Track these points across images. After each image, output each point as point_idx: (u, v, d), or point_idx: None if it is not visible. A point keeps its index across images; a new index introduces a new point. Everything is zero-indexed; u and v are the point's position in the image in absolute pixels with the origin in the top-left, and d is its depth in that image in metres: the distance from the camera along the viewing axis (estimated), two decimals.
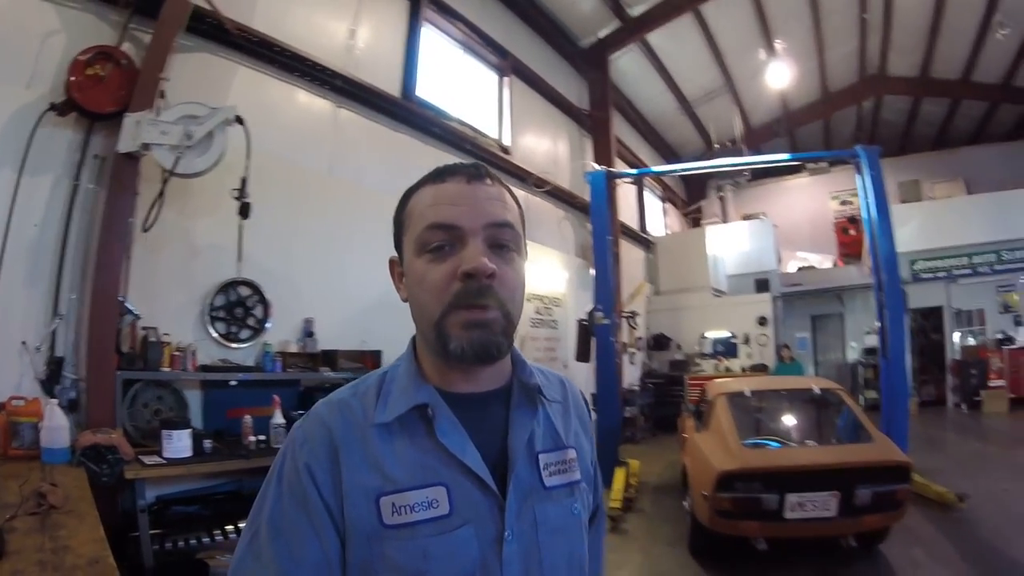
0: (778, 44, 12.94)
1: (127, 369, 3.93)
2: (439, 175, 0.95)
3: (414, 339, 1.01)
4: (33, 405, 3.47)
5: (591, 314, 7.68)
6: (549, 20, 10.50)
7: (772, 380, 7.24)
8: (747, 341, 13.27)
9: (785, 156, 10.35)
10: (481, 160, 6.85)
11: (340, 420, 0.90)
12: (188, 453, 3.65)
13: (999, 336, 13.41)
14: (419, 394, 0.91)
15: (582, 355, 7.73)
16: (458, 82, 8.38)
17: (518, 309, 0.94)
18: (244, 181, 4.35)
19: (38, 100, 3.93)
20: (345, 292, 5.91)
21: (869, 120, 17.97)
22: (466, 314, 0.87)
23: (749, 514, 4.17)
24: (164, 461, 3.53)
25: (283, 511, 0.85)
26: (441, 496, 0.86)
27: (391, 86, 6.90)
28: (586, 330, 7.71)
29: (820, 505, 4.14)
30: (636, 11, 10.95)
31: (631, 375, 12.34)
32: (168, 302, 4.45)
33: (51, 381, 3.71)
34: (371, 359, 5.60)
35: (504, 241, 0.92)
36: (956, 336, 14.12)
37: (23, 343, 3.72)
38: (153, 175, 4.20)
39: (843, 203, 16.75)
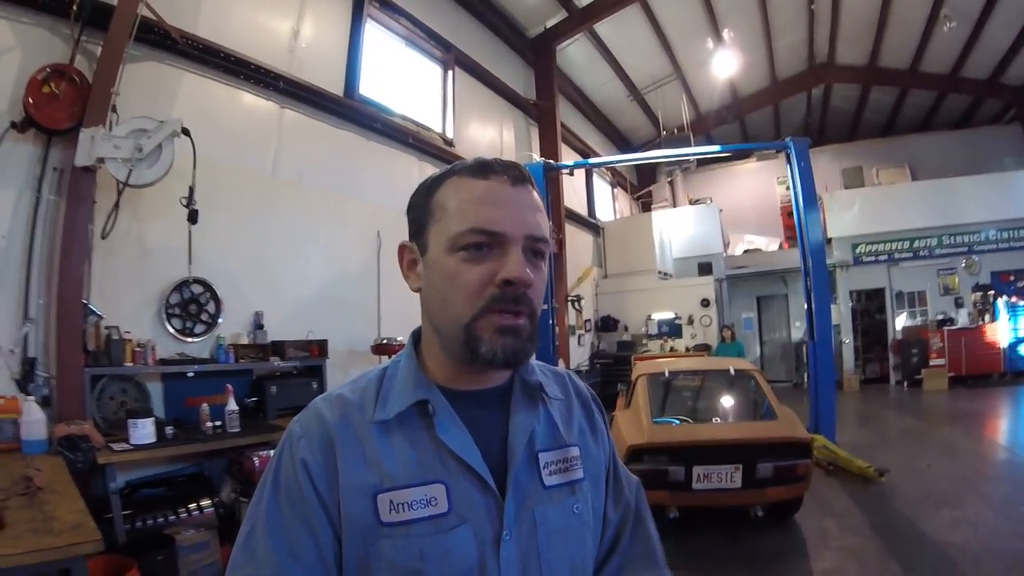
0: (725, 33, 13.67)
1: (94, 366, 4.45)
2: (480, 170, 0.95)
3: (415, 335, 1.05)
4: (11, 403, 3.95)
5: None
6: (495, 11, 11.09)
7: (693, 362, 7.94)
8: (691, 322, 14.22)
9: (716, 148, 11.23)
10: (424, 153, 7.42)
11: (338, 416, 0.93)
12: (152, 439, 4.19)
13: (940, 317, 14.44)
14: (420, 390, 0.95)
15: None
16: (402, 77, 8.88)
17: (539, 315, 0.97)
18: (191, 190, 4.87)
19: None
20: (292, 286, 6.47)
21: (819, 107, 18.91)
22: (499, 319, 0.90)
23: (659, 484, 4.78)
24: (131, 447, 4.08)
25: (278, 508, 0.88)
26: (440, 494, 0.89)
27: (334, 85, 7.39)
28: None
29: (725, 477, 4.77)
30: (583, 1, 11.62)
31: (580, 356, 13.16)
32: (127, 302, 4.95)
33: (25, 380, 4.19)
34: (318, 347, 6.18)
35: (540, 251, 0.96)
36: (900, 317, 15.10)
37: None
38: (108, 184, 4.66)
39: (789, 187, 17.55)
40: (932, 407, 11.95)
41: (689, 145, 13.75)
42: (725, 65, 14.30)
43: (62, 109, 4.51)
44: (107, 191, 4.70)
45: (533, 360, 1.05)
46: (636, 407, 5.48)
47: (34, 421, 3.85)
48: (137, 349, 4.73)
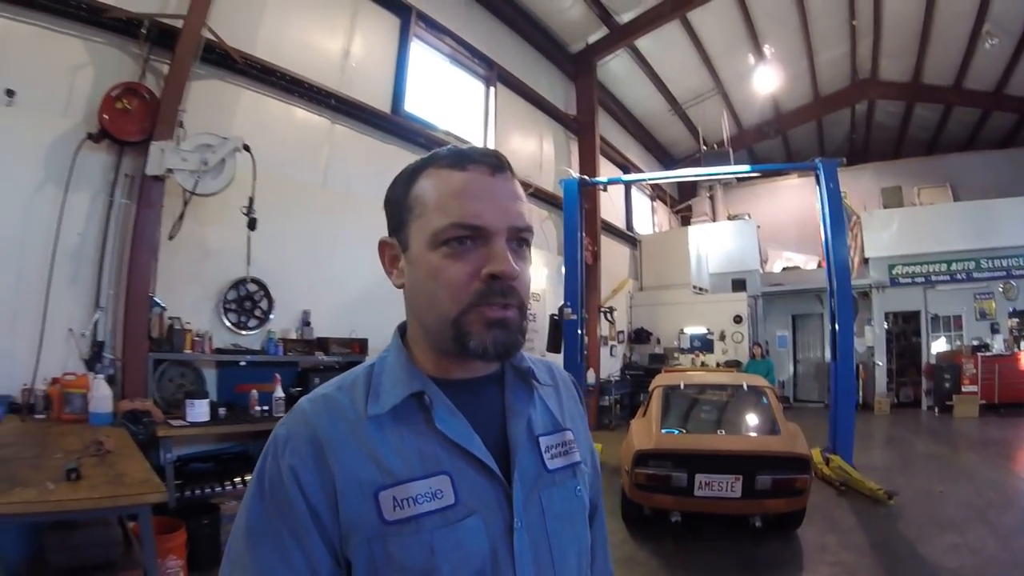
0: (766, 48, 13.83)
1: (156, 351, 5.07)
2: (458, 161, 0.93)
3: (401, 329, 1.04)
4: (81, 380, 4.51)
5: (561, 310, 8.77)
6: (538, 27, 11.59)
7: (709, 376, 8.13)
8: (723, 337, 14.42)
9: (746, 168, 11.34)
10: None
11: (325, 416, 0.90)
12: (206, 418, 4.78)
13: (975, 343, 14.14)
14: (414, 382, 0.93)
15: (553, 346, 8.81)
16: (446, 93, 9.42)
17: (527, 306, 0.95)
18: (251, 200, 5.46)
19: (75, 128, 4.96)
20: (337, 288, 7.03)
21: (863, 123, 18.72)
22: (488, 312, 0.88)
23: (662, 488, 5.09)
24: (187, 424, 4.66)
25: (264, 516, 0.85)
26: (445, 486, 0.87)
27: (382, 102, 7.99)
28: (556, 324, 8.81)
29: (725, 486, 4.97)
30: (624, 18, 12.05)
31: (611, 366, 13.49)
32: (189, 296, 5.57)
33: (93, 361, 4.80)
34: (359, 345, 6.71)
35: (524, 240, 0.94)
36: (938, 341, 14.87)
37: (70, 330, 4.82)
38: (175, 191, 5.28)
39: None
40: (958, 433, 11.81)
41: (728, 160, 13.89)
42: (766, 80, 14.45)
43: (134, 123, 5.16)
44: (174, 197, 5.32)
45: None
46: (649, 416, 5.81)
47: (101, 396, 4.38)
48: (196, 338, 5.35)
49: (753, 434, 5.67)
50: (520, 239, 0.94)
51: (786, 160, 18.99)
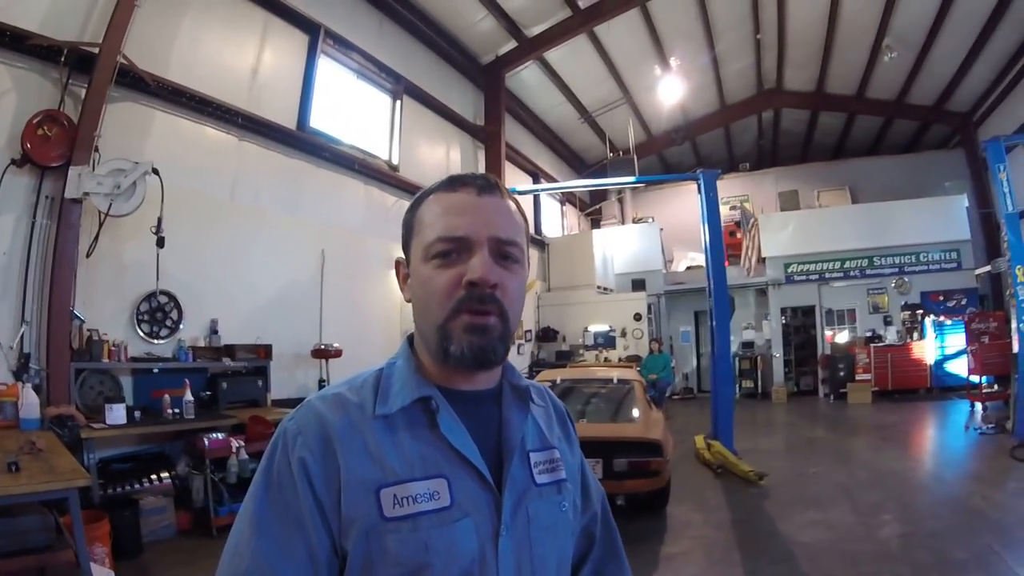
0: (672, 60, 15.07)
1: (77, 361, 5.79)
2: (451, 185, 1.06)
3: (410, 338, 1.13)
4: (12, 389, 5.17)
5: None
6: (449, 40, 12.50)
7: (585, 371, 9.07)
8: (624, 334, 15.78)
9: (631, 179, 12.65)
10: (370, 178, 8.94)
11: (336, 413, 0.98)
12: (124, 421, 5.55)
13: (868, 334, 15.85)
14: (422, 388, 1.02)
15: None
16: (352, 108, 10.22)
17: (517, 317, 1.05)
18: (160, 220, 6.19)
19: None
20: (244, 297, 7.81)
21: (770, 129, 20.38)
22: (468, 318, 0.98)
23: None
24: (107, 426, 5.41)
25: (269, 506, 0.93)
26: (442, 488, 0.96)
27: (288, 119, 8.75)
28: None
29: None
30: (532, 31, 13.06)
31: (519, 364, 14.53)
32: (106, 309, 6.27)
33: (20, 371, 5.46)
34: (264, 351, 7.53)
35: (509, 253, 1.03)
36: (842, 333, 16.49)
37: None
38: (92, 211, 5.96)
39: (732, 208, 19.17)
40: (847, 419, 12.90)
41: (632, 167, 15.18)
42: (672, 90, 15.72)
43: (54, 149, 5.79)
44: (91, 216, 6.01)
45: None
46: None
47: (30, 403, 5.05)
48: (113, 348, 6.08)
49: (612, 422, 6.51)
50: (506, 254, 1.03)
51: (696, 164, 20.35)
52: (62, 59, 5.95)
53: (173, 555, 5.28)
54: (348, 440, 0.95)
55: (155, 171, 6.12)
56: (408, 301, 1.09)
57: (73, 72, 6.09)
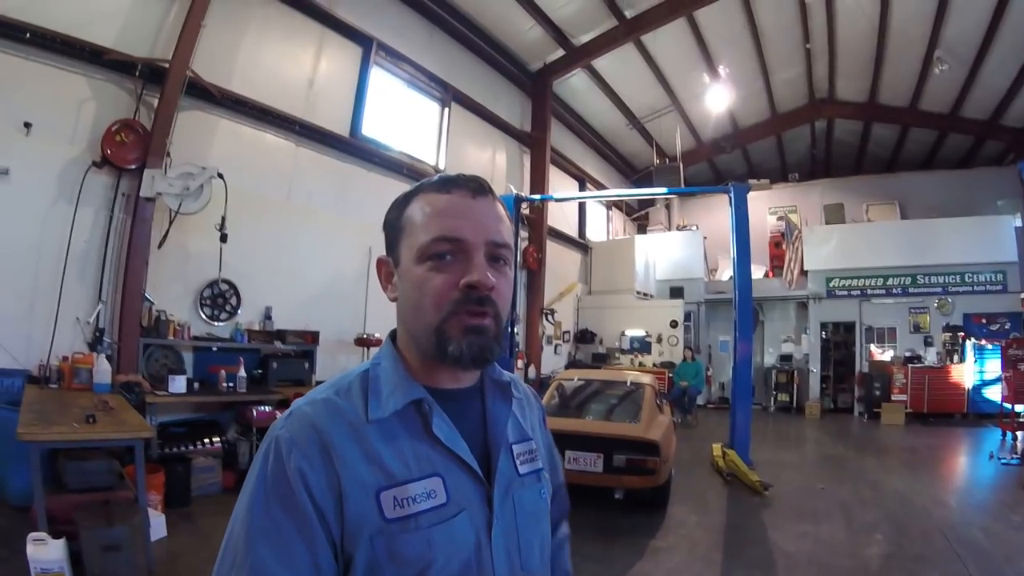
0: (721, 68, 15.38)
1: (145, 337, 6.76)
2: (443, 186, 1.08)
3: (392, 337, 1.16)
4: (87, 358, 6.08)
5: None
6: (497, 48, 13.21)
7: (602, 373, 9.44)
8: (660, 340, 16.23)
9: (664, 190, 13.03)
10: (416, 180, 9.70)
11: (328, 419, 1.00)
12: (183, 390, 6.49)
13: (907, 354, 15.53)
14: (412, 390, 1.05)
15: None
16: (402, 115, 11.02)
17: (506, 318, 1.09)
18: (223, 219, 7.08)
19: (81, 154, 6.47)
20: (296, 287, 8.70)
21: (823, 139, 20.27)
22: (467, 319, 1.01)
23: None
24: (168, 394, 6.36)
25: (266, 517, 0.93)
26: (438, 486, 1.01)
27: (341, 126, 9.61)
28: None
29: (590, 462, 6.14)
30: (580, 40, 13.63)
31: (556, 363, 15.25)
32: (172, 293, 7.22)
33: (95, 343, 6.43)
34: (312, 336, 8.42)
35: (501, 256, 1.07)
36: (887, 353, 16.21)
37: (77, 319, 6.43)
38: (163, 207, 6.88)
39: (780, 218, 19.31)
40: (873, 439, 12.74)
41: (678, 174, 15.48)
42: (720, 98, 16.07)
43: (130, 153, 6.70)
44: (162, 212, 6.93)
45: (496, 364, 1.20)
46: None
47: (104, 370, 5.92)
48: (177, 328, 7.06)
49: (616, 421, 6.97)
50: (498, 256, 1.07)
51: (748, 172, 20.62)
52: (136, 72, 6.86)
53: (216, 508, 6.06)
54: (344, 447, 0.98)
55: (220, 175, 7.00)
56: (393, 300, 1.13)
57: (146, 84, 6.98)
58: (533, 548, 1.13)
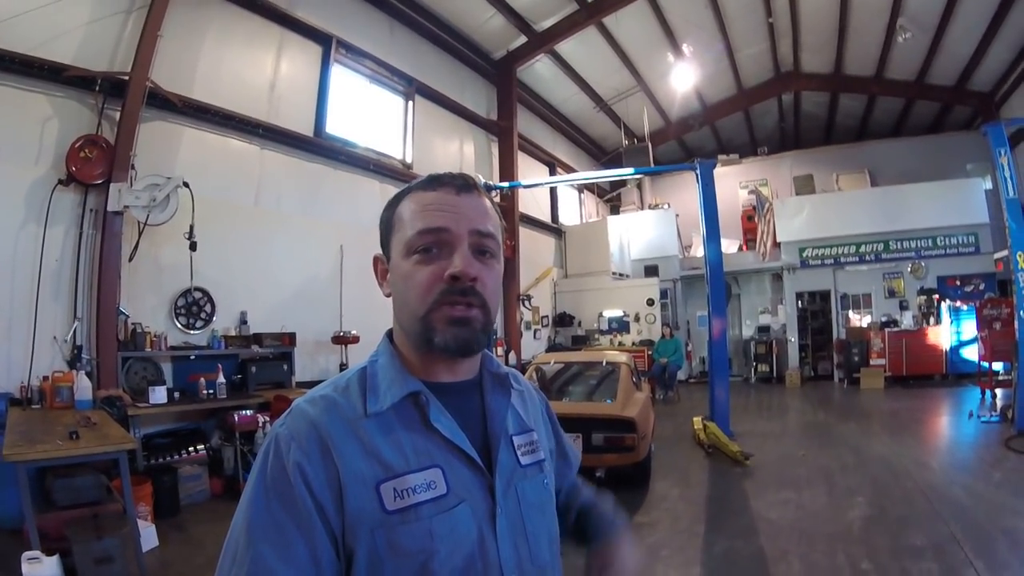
0: (685, 47, 15.54)
1: (123, 350, 6.86)
2: (430, 184, 1.13)
3: (389, 334, 1.19)
4: (67, 376, 6.13)
5: None
6: (460, 39, 13.31)
7: (578, 355, 9.72)
8: (637, 319, 16.54)
9: (629, 171, 13.26)
10: (385, 176, 10.00)
11: (326, 415, 1.03)
12: (164, 400, 6.66)
13: (883, 319, 15.98)
14: (409, 384, 1.08)
15: None
16: (366, 111, 11.11)
17: (495, 308, 1.12)
18: (191, 227, 7.16)
19: (47, 173, 6.49)
20: (270, 291, 8.82)
21: (791, 112, 20.64)
22: (450, 310, 1.05)
23: None
24: (150, 405, 6.52)
25: (266, 513, 0.95)
26: (438, 477, 1.02)
27: (305, 126, 9.70)
28: None
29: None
30: (541, 26, 13.74)
31: (536, 348, 15.50)
32: (147, 305, 7.33)
33: (74, 361, 6.51)
34: (288, 338, 8.53)
35: (486, 247, 1.10)
36: (866, 318, 16.60)
37: (54, 337, 6.51)
38: (132, 220, 6.96)
39: (750, 192, 19.67)
40: (853, 405, 12.99)
41: (647, 154, 15.63)
42: (686, 76, 16.16)
43: (95, 168, 6.75)
44: (131, 225, 7.02)
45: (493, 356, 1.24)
46: None
47: (83, 387, 6.00)
48: (154, 339, 7.15)
49: (592, 400, 7.21)
50: (484, 248, 1.11)
51: (717, 148, 20.72)
52: (96, 87, 6.89)
53: (206, 515, 6.21)
54: (343, 441, 1.00)
55: (185, 184, 7.08)
56: (387, 296, 1.17)
57: (107, 98, 7.02)
58: (541, 540, 1.15)
